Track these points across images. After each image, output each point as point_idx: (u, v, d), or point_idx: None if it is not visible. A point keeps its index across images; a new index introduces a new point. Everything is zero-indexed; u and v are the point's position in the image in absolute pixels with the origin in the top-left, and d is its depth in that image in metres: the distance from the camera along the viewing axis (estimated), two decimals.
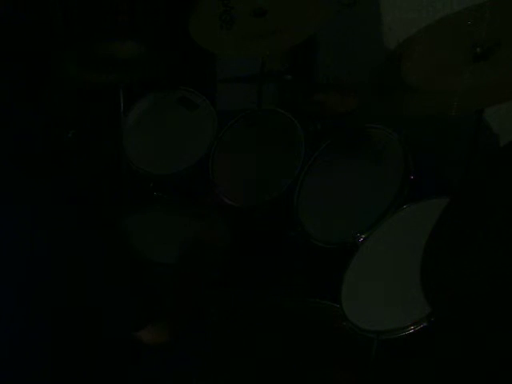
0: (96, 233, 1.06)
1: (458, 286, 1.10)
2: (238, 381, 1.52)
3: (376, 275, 1.52)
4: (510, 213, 1.10)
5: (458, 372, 1.39)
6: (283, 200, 1.85)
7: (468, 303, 1.07)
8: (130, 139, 2.12)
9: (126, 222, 1.87)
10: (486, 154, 1.61)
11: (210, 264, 1.44)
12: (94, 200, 1.15)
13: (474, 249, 1.12)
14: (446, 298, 1.12)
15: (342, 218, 1.72)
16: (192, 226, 1.93)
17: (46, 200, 1.01)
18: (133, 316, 1.10)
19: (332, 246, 1.69)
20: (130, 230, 1.81)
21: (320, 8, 1.88)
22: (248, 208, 1.92)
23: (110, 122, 2.20)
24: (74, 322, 1.09)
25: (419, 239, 1.22)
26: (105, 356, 1.21)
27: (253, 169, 1.96)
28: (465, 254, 1.13)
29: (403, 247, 1.49)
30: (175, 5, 2.39)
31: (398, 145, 1.73)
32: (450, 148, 2.03)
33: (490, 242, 1.10)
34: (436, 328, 1.33)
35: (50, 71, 2.23)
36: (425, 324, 1.32)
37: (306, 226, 1.77)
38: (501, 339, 1.05)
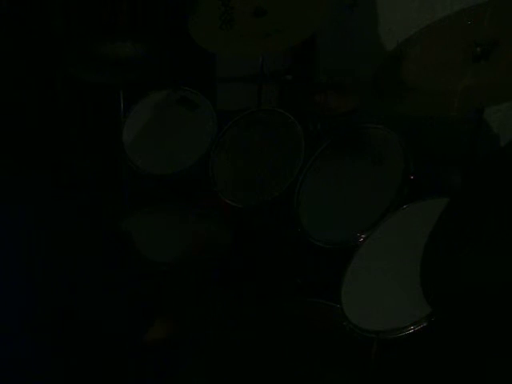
0: (96, 233, 1.07)
1: (458, 286, 1.10)
2: (238, 381, 1.52)
3: (376, 275, 1.52)
4: (510, 213, 1.11)
5: (458, 372, 1.38)
6: (283, 200, 1.85)
7: (468, 303, 1.07)
8: (130, 139, 2.12)
9: (126, 222, 1.87)
10: (486, 154, 1.61)
11: (210, 264, 1.44)
12: (94, 200, 1.16)
13: (474, 249, 1.12)
14: (445, 298, 1.12)
15: (342, 217, 1.72)
16: (192, 226, 1.93)
17: (46, 199, 1.01)
18: (138, 318, 1.10)
19: (332, 245, 1.69)
20: (131, 231, 1.81)
21: (320, 8, 1.88)
22: (248, 208, 1.92)
23: (110, 121, 2.20)
24: (74, 322, 1.09)
25: (419, 239, 1.22)
26: (105, 356, 1.21)
27: (253, 169, 1.96)
28: (465, 254, 1.13)
29: (403, 247, 1.49)
30: (175, 5, 2.39)
31: (398, 145, 1.73)
32: (450, 148, 2.03)
33: (490, 242, 1.10)
34: (436, 328, 1.33)
35: (50, 71, 2.23)
36: (425, 324, 1.32)
37: (306, 225, 1.77)
38: (501, 339, 1.05)
